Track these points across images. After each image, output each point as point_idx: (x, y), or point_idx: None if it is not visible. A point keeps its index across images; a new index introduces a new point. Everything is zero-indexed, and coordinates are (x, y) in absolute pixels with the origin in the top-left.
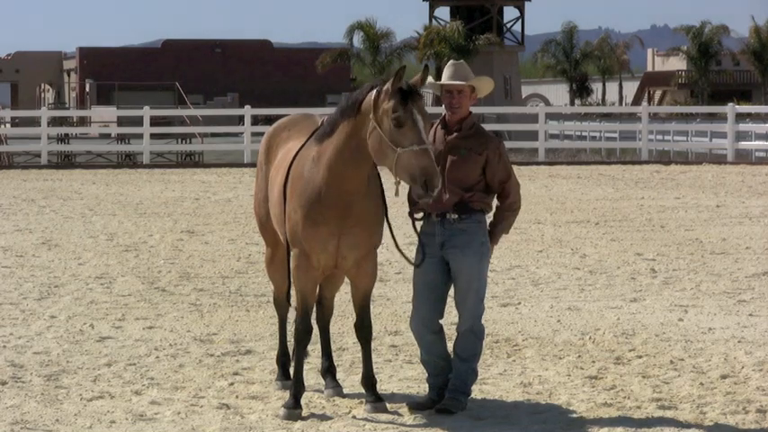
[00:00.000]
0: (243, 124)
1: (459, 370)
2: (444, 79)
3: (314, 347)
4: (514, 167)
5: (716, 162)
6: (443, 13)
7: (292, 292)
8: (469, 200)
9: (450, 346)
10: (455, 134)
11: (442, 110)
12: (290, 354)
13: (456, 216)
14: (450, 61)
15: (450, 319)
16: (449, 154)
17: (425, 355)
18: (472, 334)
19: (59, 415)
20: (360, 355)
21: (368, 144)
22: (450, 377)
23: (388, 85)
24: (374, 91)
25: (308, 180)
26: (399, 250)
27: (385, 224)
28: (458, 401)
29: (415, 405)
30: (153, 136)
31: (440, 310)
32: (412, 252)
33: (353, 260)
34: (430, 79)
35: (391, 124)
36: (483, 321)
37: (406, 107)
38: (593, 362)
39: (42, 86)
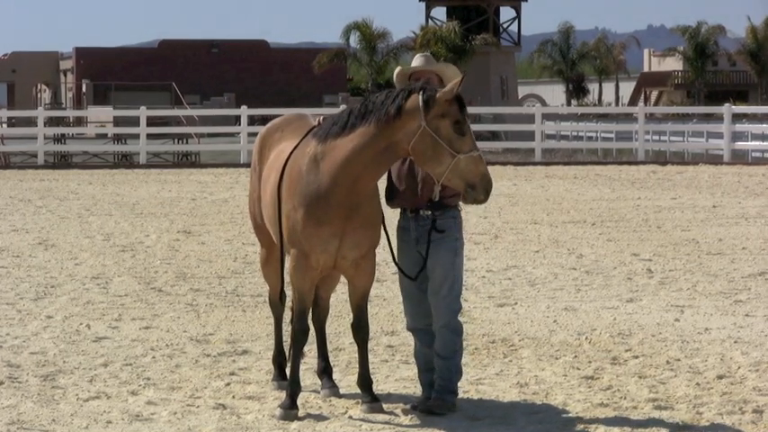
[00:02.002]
0: (239, 124)
1: (442, 369)
2: (414, 66)
3: (310, 348)
4: (511, 168)
5: (712, 162)
6: (440, 13)
7: (288, 292)
8: (444, 196)
9: None
10: None
11: None
12: (287, 354)
13: (430, 212)
14: (418, 54)
15: None
16: None
17: (418, 345)
18: (448, 330)
19: (56, 415)
20: (356, 355)
21: (403, 147)
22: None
23: (445, 92)
24: (421, 95)
25: (310, 180)
26: (396, 263)
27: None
28: (443, 401)
29: (413, 408)
30: (149, 136)
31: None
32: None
33: (352, 260)
34: (398, 69)
35: (452, 132)
36: (469, 320)
37: (465, 115)
38: (590, 362)
39: (39, 87)
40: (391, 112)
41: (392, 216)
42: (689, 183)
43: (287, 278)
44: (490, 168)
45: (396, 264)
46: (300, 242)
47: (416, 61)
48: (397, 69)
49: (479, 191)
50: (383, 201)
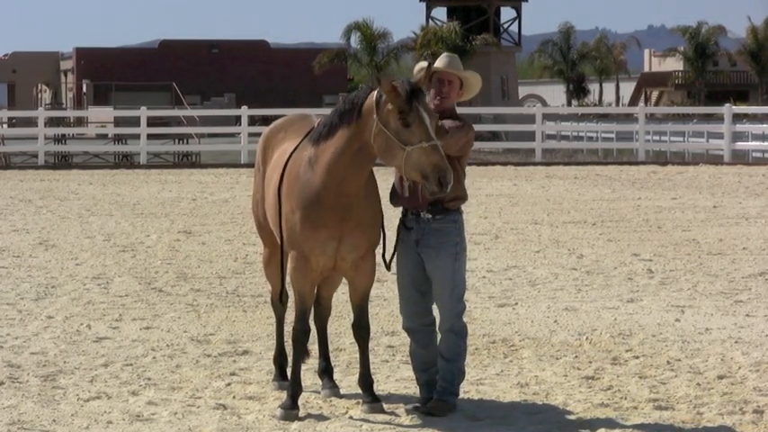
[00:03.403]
0: (240, 125)
1: (445, 370)
2: (438, 66)
3: (311, 348)
4: (511, 168)
5: (713, 163)
6: (440, 13)
7: (290, 292)
8: (445, 200)
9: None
10: None
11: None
12: (287, 354)
13: (430, 216)
14: (445, 53)
15: None
16: None
17: (413, 345)
18: (453, 334)
19: (56, 415)
20: (356, 355)
21: (373, 146)
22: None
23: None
24: (375, 93)
25: (306, 182)
26: (383, 257)
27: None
28: (444, 403)
29: (413, 409)
30: (150, 136)
31: (427, 302)
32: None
33: (352, 261)
34: (423, 63)
35: (398, 124)
36: (470, 320)
37: (412, 105)
38: (590, 362)
39: (39, 87)
40: (354, 113)
41: (393, 216)
42: (689, 183)
43: (288, 279)
44: (490, 169)
45: (383, 257)
46: (299, 244)
47: (441, 61)
48: (420, 64)
49: (432, 182)
50: (385, 200)
